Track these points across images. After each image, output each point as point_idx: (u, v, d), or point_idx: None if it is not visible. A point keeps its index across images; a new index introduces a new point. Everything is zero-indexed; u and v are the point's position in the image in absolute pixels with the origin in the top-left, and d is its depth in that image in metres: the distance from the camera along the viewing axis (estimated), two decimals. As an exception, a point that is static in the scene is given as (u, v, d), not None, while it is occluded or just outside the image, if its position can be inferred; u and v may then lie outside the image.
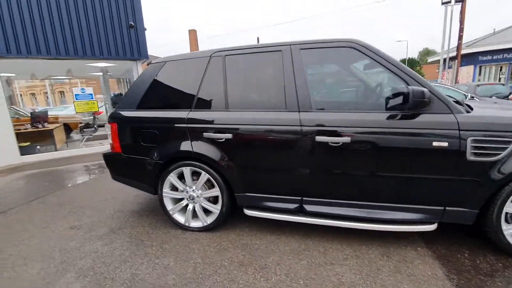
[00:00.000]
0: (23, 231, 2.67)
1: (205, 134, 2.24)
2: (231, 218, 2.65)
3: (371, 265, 1.94)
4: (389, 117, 1.94)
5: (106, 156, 2.71)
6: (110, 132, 2.60)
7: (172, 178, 2.42)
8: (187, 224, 2.48)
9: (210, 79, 2.32)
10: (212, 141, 2.24)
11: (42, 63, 5.66)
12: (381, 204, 2.06)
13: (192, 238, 2.36)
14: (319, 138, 2.01)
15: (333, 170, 2.06)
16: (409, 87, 1.81)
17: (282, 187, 2.21)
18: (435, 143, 1.87)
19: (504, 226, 1.90)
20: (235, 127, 2.18)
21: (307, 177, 2.11)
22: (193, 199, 2.42)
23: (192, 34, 34.72)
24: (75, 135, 8.41)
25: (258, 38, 28.42)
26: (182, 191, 2.45)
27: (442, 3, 12.63)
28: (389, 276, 1.83)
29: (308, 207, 2.20)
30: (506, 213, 1.88)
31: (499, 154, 1.79)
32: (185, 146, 2.30)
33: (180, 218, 2.52)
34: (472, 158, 1.82)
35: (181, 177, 2.45)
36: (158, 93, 2.49)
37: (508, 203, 1.85)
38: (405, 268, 1.90)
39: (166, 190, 2.47)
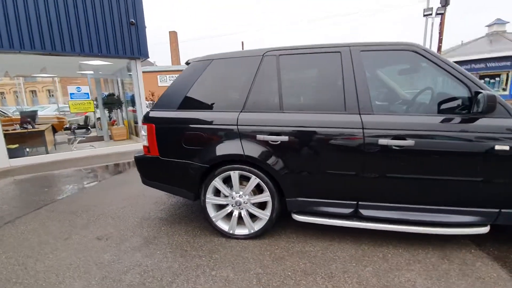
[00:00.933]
0: (42, 243, 2.37)
1: (258, 137, 2.13)
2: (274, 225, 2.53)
3: (436, 269, 1.92)
4: (449, 121, 1.94)
5: (139, 160, 2.50)
6: (145, 134, 2.39)
7: (217, 183, 2.27)
8: (231, 232, 2.33)
9: (262, 79, 2.21)
10: (265, 144, 2.13)
11: (20, 58, 5.18)
12: (438, 207, 2.06)
13: (240, 247, 2.22)
14: (381, 141, 1.97)
15: (393, 173, 2.03)
16: (483, 91, 1.83)
17: (337, 192, 2.14)
18: (497, 147, 1.89)
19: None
20: (292, 129, 2.09)
21: (365, 181, 2.05)
22: (239, 205, 2.29)
23: (173, 35, 34.14)
24: (59, 137, 7.83)
25: (242, 42, 28.47)
26: (227, 196, 2.30)
27: (424, 15, 13.36)
28: (459, 279, 1.81)
29: (364, 212, 2.14)
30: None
31: None
32: (235, 148, 2.16)
33: (223, 225, 2.36)
34: None
35: (225, 181, 2.31)
36: (203, 93, 2.33)
37: None
38: (470, 271, 1.89)
39: (209, 195, 2.31)
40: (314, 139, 2.07)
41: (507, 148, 1.88)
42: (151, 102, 19.08)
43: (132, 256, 2.13)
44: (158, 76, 24.96)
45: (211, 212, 2.35)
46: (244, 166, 2.20)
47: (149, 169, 2.47)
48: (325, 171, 2.11)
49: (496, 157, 1.89)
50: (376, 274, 1.87)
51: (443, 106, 2.04)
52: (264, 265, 1.98)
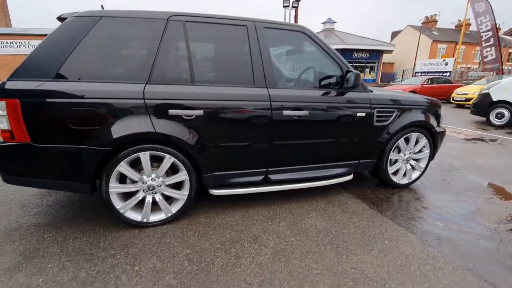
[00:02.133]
0: None
1: (171, 112, 1.96)
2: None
3: (326, 212, 2.46)
4: (330, 94, 2.43)
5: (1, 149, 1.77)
6: (5, 114, 1.71)
7: (123, 167, 1.95)
8: (145, 220, 2.10)
9: (169, 47, 2.00)
10: (179, 119, 1.99)
11: None
12: (325, 164, 2.60)
13: (159, 234, 2.05)
14: (285, 112, 2.25)
15: (294, 140, 2.37)
16: (352, 71, 2.36)
17: (250, 161, 2.31)
18: (358, 114, 2.54)
19: (389, 167, 2.89)
20: (207, 103, 2.04)
21: (274, 148, 2.31)
22: (153, 189, 2.07)
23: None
24: None
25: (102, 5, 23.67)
26: (136, 182, 2.04)
27: (283, 6, 15.26)
28: (342, 216, 2.40)
29: (273, 176, 2.43)
30: (390, 159, 2.86)
31: (387, 120, 2.67)
32: (145, 126, 1.91)
33: (134, 215, 2.09)
34: (376, 124, 2.63)
35: (131, 165, 2.02)
36: (93, 59, 1.87)
37: (391, 152, 2.82)
38: (346, 209, 2.53)
39: (113, 184, 1.97)
40: (229, 112, 2.11)
41: (363, 114, 2.56)
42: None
43: (11, 279, 1.58)
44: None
45: (117, 203, 2.02)
46: (156, 146, 1.98)
47: (16, 161, 1.82)
48: (239, 143, 2.21)
49: (357, 121, 2.55)
50: (288, 227, 2.20)
51: (323, 82, 2.52)
52: (191, 245, 1.93)
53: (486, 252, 1.93)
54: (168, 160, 2.04)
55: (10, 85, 1.73)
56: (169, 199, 2.20)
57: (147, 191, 2.08)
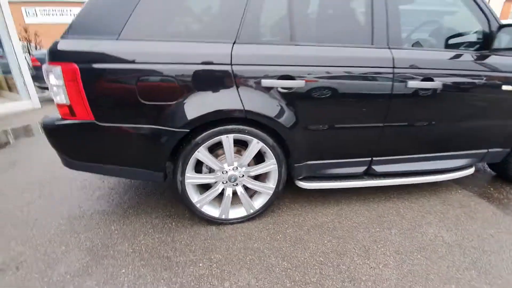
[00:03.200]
0: None
1: (265, 82, 1.45)
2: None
3: (447, 217, 1.87)
4: (471, 58, 1.73)
5: (56, 129, 1.44)
6: (59, 83, 1.34)
7: (202, 154, 1.53)
8: (223, 217, 1.72)
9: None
10: (273, 92, 1.48)
11: None
12: (445, 153, 1.97)
13: (242, 235, 1.66)
14: (411, 84, 1.62)
15: (414, 121, 1.76)
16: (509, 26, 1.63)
17: (355, 148, 1.77)
18: (504, 87, 1.81)
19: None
20: (311, 70, 1.50)
21: (387, 131, 1.73)
22: (234, 180, 1.65)
23: None
24: None
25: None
26: (215, 171, 1.62)
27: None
28: (471, 223, 1.80)
29: (378, 168, 1.88)
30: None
31: None
32: (231, 101, 1.44)
33: (212, 210, 1.71)
34: None
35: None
36: (166, 11, 1.39)
37: None
38: (473, 213, 1.91)
39: (190, 173, 1.57)
40: (337, 83, 1.54)
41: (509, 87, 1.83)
42: (27, 43, 13.70)
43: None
44: (24, 9, 18.24)
45: (194, 196, 1.64)
46: (243, 127, 1.52)
47: (78, 143, 1.48)
48: (345, 124, 1.66)
49: (502, 97, 1.84)
50: (404, 236, 1.67)
51: (453, 41, 1.81)
52: (286, 255, 1.51)
53: None
54: (256, 145, 1.58)
55: (65, 45, 1.33)
56: (249, 193, 1.77)
57: (227, 183, 1.66)
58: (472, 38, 1.81)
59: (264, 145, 1.58)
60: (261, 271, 1.40)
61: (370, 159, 1.84)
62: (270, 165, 1.66)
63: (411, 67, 1.62)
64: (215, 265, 1.43)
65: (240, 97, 1.44)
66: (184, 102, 1.41)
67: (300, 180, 1.82)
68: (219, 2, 1.48)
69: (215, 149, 1.69)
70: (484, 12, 1.74)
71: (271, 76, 1.45)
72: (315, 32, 1.55)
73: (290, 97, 1.51)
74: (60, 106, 1.42)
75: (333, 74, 1.52)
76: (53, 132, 1.45)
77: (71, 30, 1.36)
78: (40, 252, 1.52)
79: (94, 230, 1.69)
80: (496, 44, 1.71)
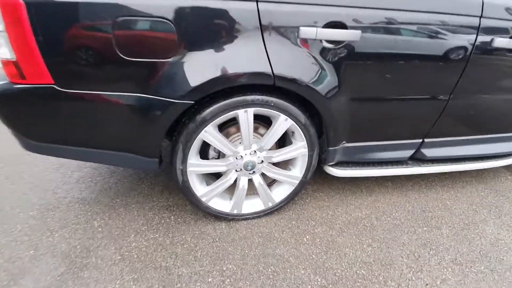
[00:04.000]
0: None
1: (305, 31, 0.98)
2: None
3: (504, 212, 1.55)
4: None
5: (1, 99, 0.99)
6: (1, 29, 0.87)
7: (210, 134, 1.12)
8: (235, 212, 1.36)
9: None
10: (314, 47, 1.03)
11: None
12: (505, 134, 1.60)
13: (260, 238, 1.32)
14: (499, 42, 1.17)
15: (488, 92, 1.35)
16: None
17: (407, 126, 1.38)
18: None
19: None
20: (371, 14, 1.03)
21: (451, 106, 1.33)
22: (252, 167, 1.26)
23: None
24: None
25: None
26: (230, 156, 1.22)
27: None
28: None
29: (428, 152, 1.51)
30: None
31: None
32: (255, 60, 0.99)
33: (221, 204, 1.34)
34: None
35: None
36: None
37: None
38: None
39: (193, 159, 1.17)
40: (400, 33, 1.09)
41: None
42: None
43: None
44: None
45: (198, 188, 1.26)
46: (268, 98, 1.09)
47: (36, 118, 1.04)
48: (405, 96, 1.24)
49: None
50: (459, 239, 1.36)
51: None
52: (318, 266, 1.18)
53: None
54: (283, 123, 1.16)
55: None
56: (267, 181, 1.40)
57: (241, 170, 1.27)
58: None
59: (294, 123, 1.17)
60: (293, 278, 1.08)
61: (421, 140, 1.45)
62: (300, 148, 1.26)
63: (503, 17, 1.16)
64: (228, 280, 1.11)
65: (267, 54, 0.99)
66: (185, 59, 0.95)
67: (332, 166, 1.45)
68: None
69: (225, 126, 1.28)
70: None
71: (315, 22, 0.98)
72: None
73: (337, 55, 1.06)
74: (4, 63, 0.95)
75: (399, 22, 1.06)
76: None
77: None
78: (3, 257, 1.17)
79: (72, 226, 1.33)
80: None
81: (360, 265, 1.19)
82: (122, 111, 1.02)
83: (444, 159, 1.57)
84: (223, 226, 1.36)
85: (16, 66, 0.93)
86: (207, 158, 1.33)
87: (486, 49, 1.18)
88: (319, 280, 1.12)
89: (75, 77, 0.95)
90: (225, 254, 1.22)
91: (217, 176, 1.36)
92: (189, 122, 1.07)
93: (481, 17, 1.13)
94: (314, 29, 0.98)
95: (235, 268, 1.15)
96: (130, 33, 0.90)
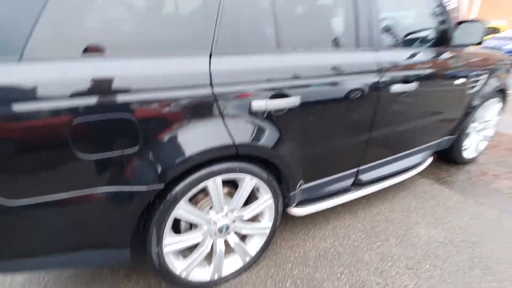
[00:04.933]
0: None
1: (257, 104, 1.12)
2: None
3: (427, 212, 1.95)
4: (435, 55, 1.78)
5: None
6: None
7: (183, 209, 1.13)
8: (216, 278, 1.35)
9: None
10: (263, 116, 1.18)
11: None
12: (414, 149, 2.04)
13: (244, 294, 1.33)
14: (395, 87, 1.55)
15: (394, 125, 1.73)
16: (478, 20, 1.70)
17: (345, 161, 1.64)
18: (457, 81, 1.95)
19: (464, 142, 2.43)
20: (304, 83, 1.24)
21: (373, 139, 1.65)
22: (227, 229, 1.29)
23: None
24: None
25: None
26: (203, 224, 1.23)
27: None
28: (452, 216, 1.90)
29: (364, 177, 1.80)
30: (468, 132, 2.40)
31: (476, 86, 2.13)
32: (217, 136, 1.07)
33: (200, 274, 1.31)
34: (468, 91, 2.07)
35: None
36: (92, 13, 0.89)
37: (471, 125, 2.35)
38: (446, 202, 2.04)
39: (168, 239, 1.14)
40: (330, 93, 1.34)
41: (462, 80, 1.97)
42: None
43: None
44: None
45: (176, 266, 1.22)
46: (232, 164, 1.17)
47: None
48: (336, 139, 1.50)
49: (455, 90, 1.98)
50: (404, 245, 1.64)
51: (411, 37, 1.83)
52: (306, 308, 1.26)
53: None
54: (249, 183, 1.25)
55: None
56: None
57: (216, 235, 1.29)
58: (432, 34, 1.85)
59: (259, 181, 1.27)
60: None
61: (357, 169, 1.73)
62: (267, 201, 1.36)
63: (395, 70, 1.54)
64: None
65: (227, 128, 1.09)
66: (150, 147, 0.97)
67: (294, 207, 1.58)
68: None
69: (199, 196, 1.30)
70: (443, 12, 1.79)
71: (263, 94, 1.14)
72: (305, 36, 1.29)
73: (283, 118, 1.22)
74: None
75: (328, 85, 1.31)
76: None
77: None
78: None
79: None
80: (454, 41, 1.79)
81: (340, 296, 1.32)
82: (85, 208, 0.96)
83: (377, 179, 1.88)
84: (206, 296, 1.33)
85: None
86: (179, 231, 1.30)
87: (387, 94, 1.53)
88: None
89: (27, 185, 0.86)
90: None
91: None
92: (160, 204, 1.07)
93: (379, 71, 1.47)
94: (264, 101, 1.13)
95: None
96: (89, 129, 0.87)
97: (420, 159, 2.10)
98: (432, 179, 2.36)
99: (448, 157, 2.56)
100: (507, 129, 3.40)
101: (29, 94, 0.78)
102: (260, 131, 1.17)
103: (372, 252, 1.58)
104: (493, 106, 2.47)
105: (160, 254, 1.14)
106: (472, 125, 2.39)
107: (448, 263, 1.50)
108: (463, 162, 2.60)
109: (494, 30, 11.73)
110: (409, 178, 2.31)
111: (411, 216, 1.89)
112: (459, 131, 2.26)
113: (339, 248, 1.61)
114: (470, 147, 2.55)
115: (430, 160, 2.19)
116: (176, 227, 1.29)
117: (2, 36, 0.77)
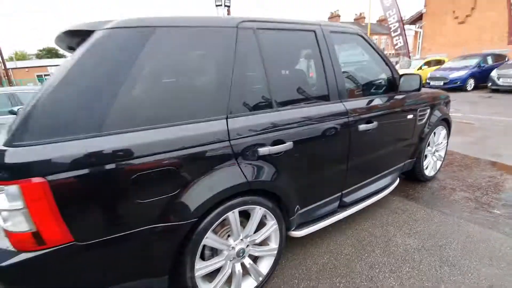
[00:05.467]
0: None
1: (262, 150, 1.47)
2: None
3: (401, 224, 2.30)
4: (389, 100, 2.27)
5: (23, 268, 1.00)
6: (21, 206, 0.97)
7: (210, 238, 1.39)
8: (236, 298, 1.57)
9: (243, 63, 1.48)
10: (267, 158, 1.52)
11: None
12: (384, 173, 2.45)
13: (261, 310, 1.55)
14: (361, 127, 1.98)
15: (365, 155, 2.14)
16: (415, 73, 2.24)
17: (330, 188, 1.99)
18: (409, 116, 2.46)
19: (423, 162, 2.92)
20: (295, 131, 1.62)
21: (350, 168, 2.03)
22: (243, 253, 1.55)
23: None
24: None
25: None
26: (224, 250, 1.49)
27: (216, 5, 14.73)
28: (420, 224, 2.27)
29: (348, 199, 2.15)
30: (425, 155, 2.90)
31: (424, 118, 2.67)
32: (235, 177, 1.39)
33: (221, 296, 1.53)
34: (418, 123, 2.59)
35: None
36: (151, 92, 1.23)
37: (426, 148, 2.85)
38: (414, 215, 2.42)
39: (199, 264, 1.38)
40: (314, 137, 1.73)
41: (412, 116, 2.48)
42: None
43: None
44: None
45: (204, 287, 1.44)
46: (246, 198, 1.47)
47: (51, 281, 1.07)
48: (323, 170, 1.87)
49: (408, 123, 2.48)
50: (387, 254, 1.96)
51: (370, 87, 2.35)
52: (315, 314, 1.50)
53: None
54: (259, 212, 1.55)
55: (21, 155, 0.99)
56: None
57: (234, 259, 1.54)
58: (384, 83, 2.37)
59: (266, 210, 1.58)
60: None
61: (341, 193, 2.08)
62: (273, 226, 1.65)
63: (359, 113, 1.98)
64: None
65: (242, 171, 1.41)
66: (187, 190, 1.26)
67: (294, 230, 1.87)
68: (201, 75, 1.45)
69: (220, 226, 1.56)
70: (388, 64, 2.32)
71: (266, 143, 1.49)
72: (286, 94, 1.70)
73: (281, 158, 1.57)
74: (14, 235, 1.02)
75: (311, 131, 1.70)
76: (18, 273, 1.01)
77: (20, 135, 1.01)
78: None
79: None
80: (402, 87, 2.30)
81: (341, 301, 1.58)
82: (146, 240, 1.20)
83: (358, 200, 2.24)
84: (229, 315, 1.53)
85: (35, 235, 1.02)
86: (203, 258, 1.53)
87: (356, 132, 1.95)
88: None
89: (98, 230, 1.11)
90: None
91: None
92: (193, 234, 1.33)
93: (348, 117, 1.90)
94: (267, 148, 1.48)
95: None
96: (147, 181, 1.16)
97: (390, 180, 2.51)
98: (402, 196, 2.77)
99: (413, 177, 3.02)
100: (457, 149, 4.01)
101: (109, 157, 1.08)
102: (265, 170, 1.50)
103: (362, 262, 1.88)
104: (440, 132, 3.03)
105: (192, 278, 1.36)
106: (428, 148, 2.89)
107: (423, 264, 1.84)
108: (426, 180, 3.06)
109: (439, 62, 13.54)
110: (384, 197, 2.70)
111: (389, 229, 2.24)
112: (417, 154, 2.75)
113: (335, 262, 1.89)
114: (429, 166, 3.04)
115: (397, 180, 2.61)
116: (201, 256, 1.53)
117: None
